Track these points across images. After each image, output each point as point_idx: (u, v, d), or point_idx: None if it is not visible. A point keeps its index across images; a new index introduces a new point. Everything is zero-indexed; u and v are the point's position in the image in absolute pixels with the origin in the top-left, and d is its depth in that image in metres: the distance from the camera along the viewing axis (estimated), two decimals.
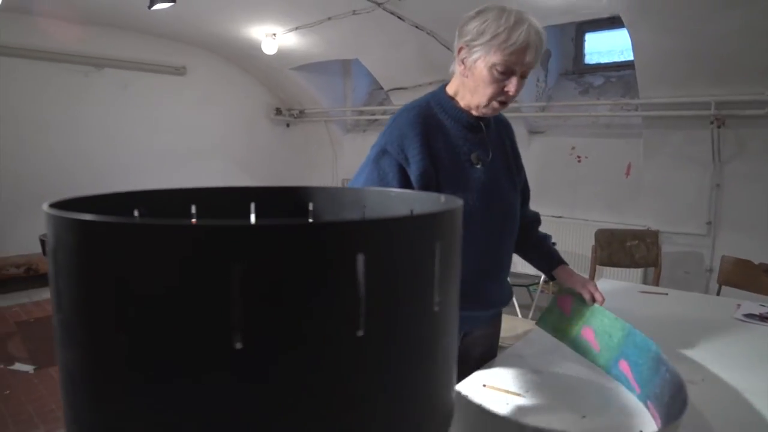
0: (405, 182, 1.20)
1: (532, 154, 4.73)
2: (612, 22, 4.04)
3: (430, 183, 1.20)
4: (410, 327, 0.40)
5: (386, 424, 0.39)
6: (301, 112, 6.54)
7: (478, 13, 1.18)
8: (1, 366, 3.01)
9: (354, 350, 0.37)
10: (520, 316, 3.00)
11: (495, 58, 1.14)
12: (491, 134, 1.34)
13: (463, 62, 1.21)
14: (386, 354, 0.38)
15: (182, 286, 0.34)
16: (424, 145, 1.20)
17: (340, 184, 6.38)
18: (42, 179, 4.70)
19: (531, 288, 3.56)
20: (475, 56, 1.17)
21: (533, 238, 1.53)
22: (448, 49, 3.13)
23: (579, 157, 4.71)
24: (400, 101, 5.37)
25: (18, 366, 3.01)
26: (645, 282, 4.13)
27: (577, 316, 1.36)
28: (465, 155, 1.26)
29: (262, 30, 4.74)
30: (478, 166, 1.27)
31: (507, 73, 1.16)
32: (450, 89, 1.29)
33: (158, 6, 3.55)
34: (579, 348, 1.32)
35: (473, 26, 1.16)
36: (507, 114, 1.40)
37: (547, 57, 4.72)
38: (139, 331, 0.35)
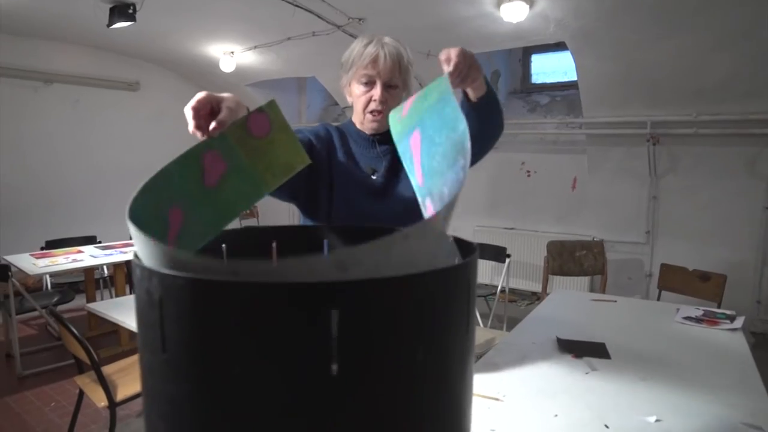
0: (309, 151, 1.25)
1: (484, 170, 4.96)
2: (557, 45, 4.32)
3: (314, 162, 1.15)
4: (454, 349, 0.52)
5: None
6: None
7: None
8: None
9: (414, 372, 0.48)
10: (481, 325, 3.16)
11: (358, 73, 1.38)
12: (391, 150, 1.47)
13: (345, 88, 1.46)
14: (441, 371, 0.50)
15: (285, 327, 0.44)
16: (326, 141, 1.43)
17: None
18: None
19: (488, 298, 3.74)
20: (348, 78, 1.42)
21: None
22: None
23: (528, 171, 4.98)
24: None
25: None
26: (592, 288, 4.41)
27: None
28: (363, 166, 1.47)
29: (221, 48, 4.77)
30: (374, 177, 1.47)
31: (370, 83, 1.38)
32: (353, 118, 1.52)
33: (118, 24, 3.54)
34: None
35: (344, 56, 1.41)
36: None
37: (496, 77, 4.98)
38: (246, 364, 0.45)
